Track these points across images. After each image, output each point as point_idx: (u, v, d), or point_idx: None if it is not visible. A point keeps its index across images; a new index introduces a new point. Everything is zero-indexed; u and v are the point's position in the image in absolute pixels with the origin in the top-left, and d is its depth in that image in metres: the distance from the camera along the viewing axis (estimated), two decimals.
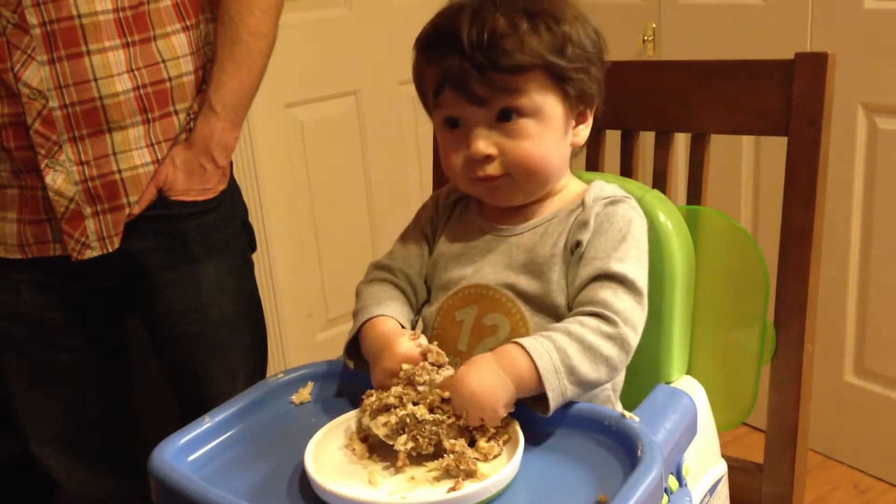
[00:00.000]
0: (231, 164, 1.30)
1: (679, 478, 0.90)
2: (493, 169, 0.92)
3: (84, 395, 1.29)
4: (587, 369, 0.84)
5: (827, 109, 1.01)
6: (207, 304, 1.27)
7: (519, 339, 0.84)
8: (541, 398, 0.83)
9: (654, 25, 2.18)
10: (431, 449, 0.79)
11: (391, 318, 0.94)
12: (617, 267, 0.89)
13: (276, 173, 2.19)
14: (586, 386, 0.85)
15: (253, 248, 1.38)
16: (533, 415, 0.84)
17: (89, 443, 1.31)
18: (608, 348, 0.85)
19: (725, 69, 1.09)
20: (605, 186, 0.98)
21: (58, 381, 1.27)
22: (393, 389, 0.83)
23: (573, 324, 0.86)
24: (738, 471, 1.10)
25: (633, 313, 0.87)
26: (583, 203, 0.95)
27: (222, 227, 1.28)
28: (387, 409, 0.82)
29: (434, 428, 0.79)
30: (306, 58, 2.15)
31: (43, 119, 1.11)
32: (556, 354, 0.83)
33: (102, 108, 1.12)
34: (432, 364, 0.84)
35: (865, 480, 2.00)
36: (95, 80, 1.11)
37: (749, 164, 2.07)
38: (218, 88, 1.20)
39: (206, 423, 0.89)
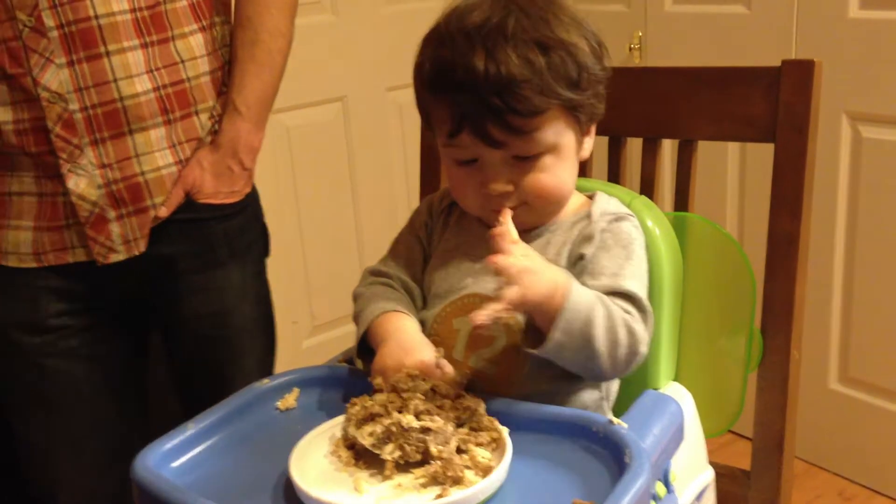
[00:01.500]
0: None
1: (666, 484, 0.90)
2: (510, 202, 0.92)
3: (100, 402, 1.26)
4: (599, 333, 0.84)
5: (813, 117, 1.01)
6: (231, 308, 1.27)
7: (573, 283, 0.85)
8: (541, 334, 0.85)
9: (640, 33, 2.19)
10: (419, 457, 0.78)
11: (408, 316, 0.94)
12: (628, 285, 0.89)
13: (262, 179, 2.15)
14: (587, 349, 0.85)
15: (267, 252, 1.37)
16: (522, 420, 0.84)
17: (102, 448, 1.28)
18: (624, 334, 0.85)
19: (712, 76, 1.10)
20: (609, 201, 0.98)
21: (74, 391, 1.24)
22: (377, 398, 0.82)
23: (607, 299, 0.87)
24: (725, 477, 1.09)
25: (644, 334, 0.88)
26: (589, 216, 0.95)
27: (246, 230, 1.28)
28: (372, 418, 0.81)
29: (421, 435, 0.78)
30: (293, 64, 2.13)
31: (63, 122, 1.10)
32: (586, 306, 0.84)
33: (123, 110, 1.12)
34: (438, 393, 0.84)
35: (850, 488, 2.00)
36: (115, 80, 1.10)
37: (735, 170, 2.08)
38: (241, 90, 1.20)
39: (190, 429, 0.88)
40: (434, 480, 0.77)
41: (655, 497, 0.86)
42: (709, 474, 1.03)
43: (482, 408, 0.84)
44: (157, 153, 1.15)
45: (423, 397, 0.82)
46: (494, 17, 0.88)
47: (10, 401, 1.26)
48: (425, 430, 0.78)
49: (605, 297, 0.87)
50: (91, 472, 1.29)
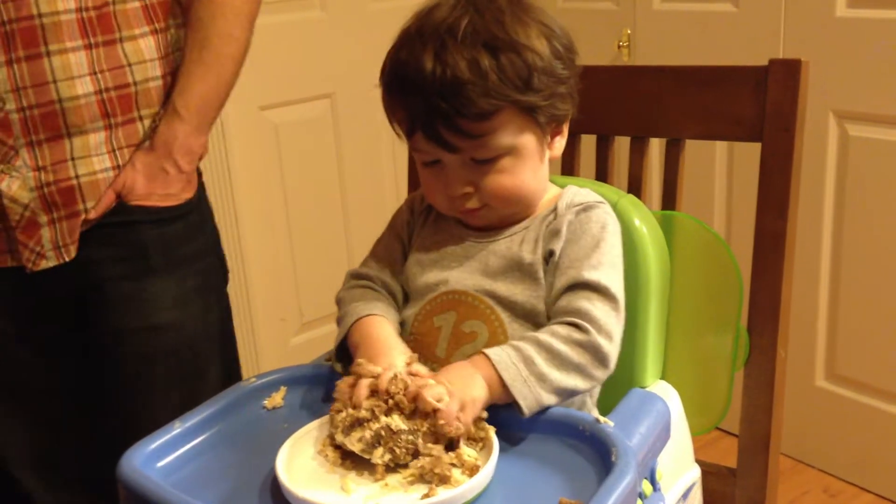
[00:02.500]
0: (201, 182, 1.25)
1: (653, 482, 0.90)
2: (471, 203, 0.93)
3: (53, 406, 1.23)
4: (557, 376, 0.84)
5: (800, 116, 1.02)
6: (165, 324, 1.19)
7: (486, 350, 0.85)
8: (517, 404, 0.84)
9: (629, 31, 2.19)
10: (410, 458, 0.78)
11: (384, 319, 0.94)
12: (590, 275, 0.89)
13: (250, 176, 2.17)
14: (563, 392, 0.86)
15: (224, 278, 1.31)
16: (508, 419, 0.84)
17: (67, 460, 1.25)
18: (578, 356, 0.85)
19: (700, 75, 1.10)
20: (577, 192, 0.98)
21: (22, 397, 1.21)
22: (365, 403, 0.81)
23: (544, 333, 0.87)
24: (712, 475, 1.10)
25: (607, 321, 0.88)
26: (555, 210, 0.95)
27: (188, 239, 1.21)
28: (359, 423, 0.80)
29: (410, 437, 0.78)
30: (281, 60, 2.14)
31: None
32: (522, 364, 0.84)
33: (62, 112, 1.08)
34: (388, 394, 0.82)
35: (836, 484, 2.01)
36: (55, 81, 1.07)
37: (723, 169, 2.08)
38: (183, 92, 1.15)
39: (177, 428, 0.87)
40: (421, 479, 0.77)
41: (642, 495, 0.86)
42: (695, 472, 1.03)
43: (481, 422, 0.83)
44: (94, 157, 1.11)
45: (406, 399, 0.81)
46: (450, 17, 0.88)
47: None
48: (414, 432, 0.78)
49: (542, 334, 0.86)
50: (63, 486, 1.26)
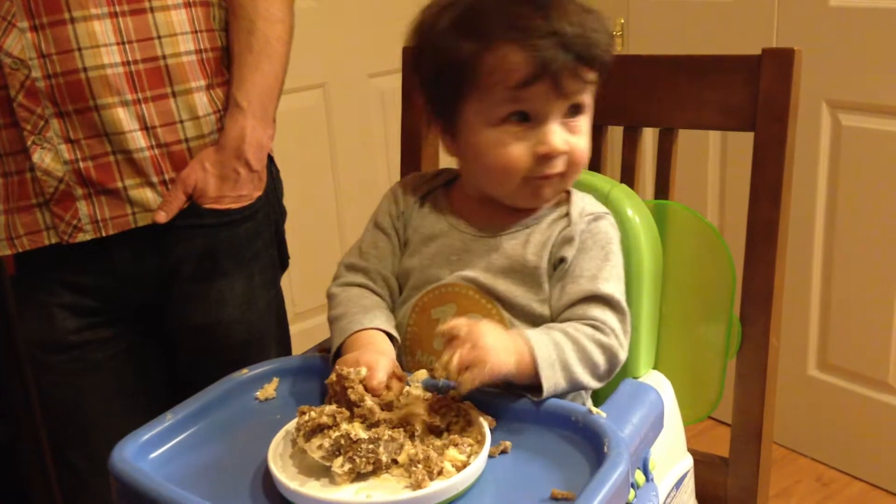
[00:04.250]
0: (271, 156, 1.22)
1: (646, 472, 0.90)
2: (558, 166, 0.91)
3: (126, 389, 1.22)
4: (578, 370, 0.86)
5: (793, 105, 1.01)
6: (232, 321, 1.19)
7: (523, 331, 0.86)
8: (533, 387, 0.84)
9: (622, 20, 2.19)
10: (370, 468, 0.76)
11: (382, 335, 0.92)
12: (605, 288, 0.90)
13: None
14: (575, 385, 0.87)
15: (284, 264, 1.30)
16: (501, 409, 0.84)
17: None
18: (598, 355, 0.87)
19: (693, 64, 1.09)
20: (585, 199, 0.98)
21: (106, 405, 1.20)
22: (326, 408, 0.79)
23: (569, 327, 0.88)
24: (704, 464, 1.10)
25: (621, 332, 0.90)
26: (568, 215, 0.95)
27: (256, 236, 1.20)
28: (320, 429, 0.78)
29: (371, 446, 0.76)
30: None
31: (27, 91, 1.04)
32: (553, 348, 0.85)
33: (87, 81, 1.05)
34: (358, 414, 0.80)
35: (828, 473, 2.02)
36: (80, 49, 1.04)
37: (716, 159, 2.08)
38: (241, 83, 1.12)
39: (169, 419, 0.87)
40: (412, 472, 0.76)
41: (635, 485, 0.86)
42: (688, 461, 1.03)
43: (473, 414, 0.83)
44: (127, 134, 1.08)
45: (378, 407, 0.80)
46: None
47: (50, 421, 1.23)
48: (374, 440, 0.76)
49: (567, 327, 0.88)
50: None
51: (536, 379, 0.84)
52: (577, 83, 0.89)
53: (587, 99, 0.92)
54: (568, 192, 0.98)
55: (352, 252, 1.02)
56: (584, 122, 0.93)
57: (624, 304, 0.91)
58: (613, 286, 0.91)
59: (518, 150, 0.90)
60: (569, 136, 0.91)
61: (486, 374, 0.80)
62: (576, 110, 0.91)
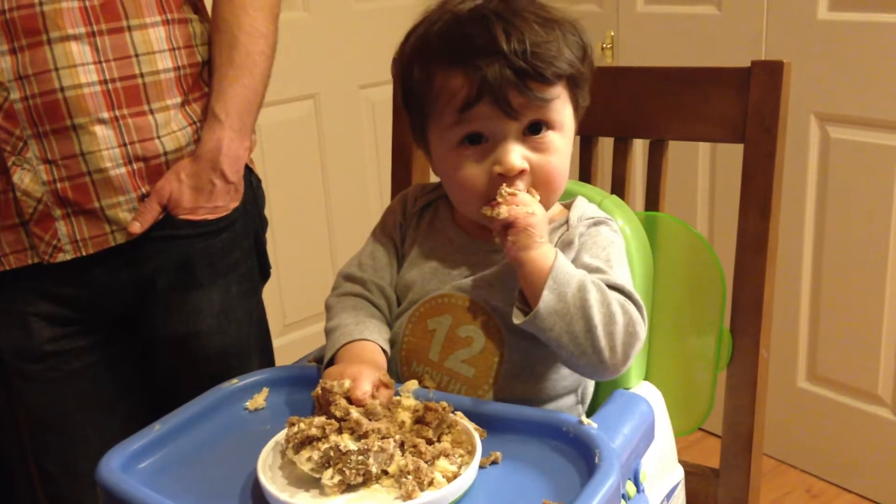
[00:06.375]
0: (250, 167, 1.22)
1: (636, 483, 0.90)
2: (522, 185, 0.89)
3: (103, 399, 1.21)
4: (594, 301, 0.83)
5: (782, 117, 1.02)
6: (209, 332, 1.19)
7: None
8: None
9: (612, 33, 2.20)
10: (360, 479, 0.75)
11: (375, 346, 0.92)
12: (617, 279, 0.88)
13: None
14: (586, 315, 0.82)
15: (265, 273, 1.30)
16: (492, 421, 0.84)
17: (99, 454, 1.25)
18: (619, 313, 0.83)
19: (683, 76, 1.10)
20: (587, 205, 0.97)
21: (86, 405, 1.20)
22: (315, 420, 0.79)
23: (603, 286, 0.85)
24: (695, 476, 1.10)
25: (636, 314, 0.86)
26: (567, 222, 0.95)
27: (233, 247, 1.20)
28: (310, 440, 0.78)
29: (360, 458, 0.75)
30: None
31: (5, 113, 1.05)
32: (575, 286, 0.83)
33: (64, 101, 1.06)
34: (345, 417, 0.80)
35: (818, 485, 2.03)
36: (56, 69, 1.05)
37: (706, 170, 2.09)
38: (220, 96, 1.13)
39: (157, 430, 0.86)
40: (402, 483, 0.76)
41: (626, 497, 0.86)
42: (679, 473, 1.03)
43: (463, 424, 0.82)
44: (104, 152, 1.08)
45: (366, 418, 0.80)
46: (491, 2, 0.89)
47: (28, 430, 1.22)
48: (364, 452, 0.76)
49: (597, 281, 0.85)
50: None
51: (542, 281, 0.83)
52: (524, 99, 0.86)
53: (553, 115, 0.89)
54: (569, 205, 0.98)
55: (351, 262, 1.02)
56: (554, 139, 0.90)
57: (637, 296, 0.87)
58: (624, 277, 0.89)
59: (473, 171, 0.89)
60: (531, 154, 0.89)
61: (526, 241, 0.83)
62: (537, 127, 0.89)
